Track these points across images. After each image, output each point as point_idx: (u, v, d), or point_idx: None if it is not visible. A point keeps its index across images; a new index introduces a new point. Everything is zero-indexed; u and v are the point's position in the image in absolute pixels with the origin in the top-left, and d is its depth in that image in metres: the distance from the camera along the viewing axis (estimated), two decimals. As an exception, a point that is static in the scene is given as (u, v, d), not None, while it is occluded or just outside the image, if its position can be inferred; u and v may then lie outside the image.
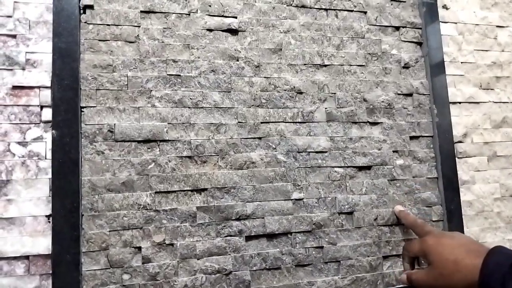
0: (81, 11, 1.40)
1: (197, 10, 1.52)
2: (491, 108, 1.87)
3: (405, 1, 1.81)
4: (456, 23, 1.89)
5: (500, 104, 1.89)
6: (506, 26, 1.98)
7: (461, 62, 1.86)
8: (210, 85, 1.49)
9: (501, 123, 1.87)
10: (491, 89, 1.89)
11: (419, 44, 1.80)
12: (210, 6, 1.54)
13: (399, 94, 1.72)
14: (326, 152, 1.59)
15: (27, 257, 1.26)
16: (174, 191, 1.40)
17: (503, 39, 1.95)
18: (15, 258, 1.25)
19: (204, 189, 1.43)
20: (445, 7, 1.88)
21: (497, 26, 1.97)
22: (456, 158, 1.77)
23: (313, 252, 1.52)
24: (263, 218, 1.48)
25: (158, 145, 1.40)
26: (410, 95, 1.74)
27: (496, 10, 1.98)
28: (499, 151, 1.84)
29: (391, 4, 1.78)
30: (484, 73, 1.89)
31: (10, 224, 1.26)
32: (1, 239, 1.23)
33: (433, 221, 1.68)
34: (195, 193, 1.42)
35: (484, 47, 1.92)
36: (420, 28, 1.81)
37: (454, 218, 1.68)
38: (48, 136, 1.31)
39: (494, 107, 1.88)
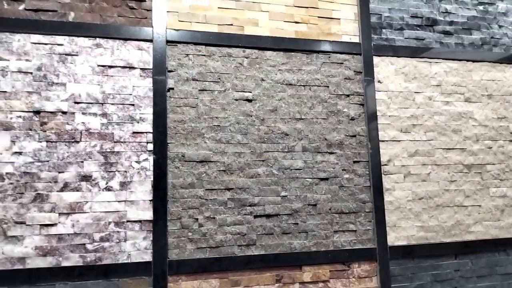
0: (168, 91, 2.53)
1: (229, 88, 2.64)
2: (408, 144, 2.94)
3: (353, 79, 2.90)
4: (386, 91, 2.97)
5: (414, 141, 2.95)
6: (421, 92, 3.05)
7: (389, 116, 2.93)
8: (236, 131, 2.60)
9: (414, 153, 2.93)
10: (409, 132, 2.96)
11: (362, 105, 2.88)
12: (236, 86, 2.65)
13: (347, 135, 2.80)
14: (301, 169, 2.68)
15: (140, 221, 2.35)
16: (215, 189, 2.50)
17: (418, 100, 3.03)
18: (134, 221, 2.34)
19: (231, 188, 2.53)
20: (379, 81, 2.96)
21: (415, 92, 3.04)
22: (383, 175, 2.83)
23: (292, 226, 2.59)
24: (264, 205, 2.56)
25: (207, 163, 2.51)
26: (354, 136, 2.82)
27: (415, 82, 3.05)
28: (412, 171, 2.90)
29: (344, 81, 2.88)
30: (404, 122, 2.96)
31: (132, 204, 2.36)
32: (129, 211, 2.33)
33: (366, 212, 2.74)
34: (226, 190, 2.52)
35: (405, 106, 2.99)
36: (363, 95, 2.89)
37: (379, 211, 2.74)
38: (151, 158, 2.42)
39: (410, 144, 2.94)
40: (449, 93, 3.08)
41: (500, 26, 3.32)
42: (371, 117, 2.85)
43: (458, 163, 2.99)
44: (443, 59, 3.12)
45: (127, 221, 2.33)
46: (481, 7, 3.29)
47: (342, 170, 2.74)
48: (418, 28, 3.11)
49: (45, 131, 2.30)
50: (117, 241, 2.30)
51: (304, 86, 2.78)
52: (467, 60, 3.17)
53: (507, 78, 3.24)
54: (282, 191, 2.62)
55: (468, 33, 3.23)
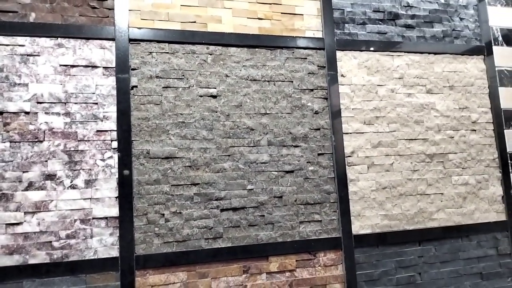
0: (131, 88, 2.55)
1: (193, 85, 2.67)
2: (371, 136, 3.01)
3: (317, 73, 2.95)
4: (349, 85, 3.03)
5: (377, 133, 3.02)
6: (384, 85, 3.12)
7: (352, 109, 3.00)
8: (201, 127, 2.63)
9: (377, 145, 3.00)
10: (372, 124, 3.03)
11: (325, 99, 2.94)
12: (201, 82, 2.69)
13: (311, 129, 2.86)
14: (267, 163, 2.73)
15: (106, 218, 2.38)
16: (181, 185, 2.53)
17: (381, 93, 3.10)
18: (100, 218, 2.37)
19: (197, 183, 2.57)
20: (342, 75, 3.02)
21: (378, 85, 3.11)
22: (347, 166, 2.90)
23: (258, 218, 2.64)
24: (230, 199, 2.61)
25: (173, 160, 2.54)
26: (318, 129, 2.87)
27: (377, 75, 3.12)
28: (375, 162, 2.98)
29: (308, 75, 2.93)
30: (368, 114, 3.03)
31: (97, 201, 2.38)
32: (95, 209, 2.35)
33: (331, 202, 2.81)
34: (192, 186, 2.56)
35: (368, 99, 3.05)
36: (327, 89, 2.95)
37: (343, 201, 2.81)
38: (115, 156, 2.45)
39: (373, 135, 3.01)
40: (411, 85, 3.15)
41: (461, 19, 3.40)
42: (335, 111, 2.91)
43: (420, 153, 3.07)
44: (405, 52, 3.19)
45: (93, 218, 2.36)
46: (442, 0, 3.37)
47: (307, 162, 2.80)
48: (380, 22, 3.17)
49: (8, 131, 2.31)
50: (84, 238, 2.33)
51: (268, 81, 2.83)
52: (429, 53, 3.25)
53: (468, 69, 3.33)
54: (248, 184, 2.66)
55: (430, 26, 3.31)
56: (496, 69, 3.39)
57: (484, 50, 3.39)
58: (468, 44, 3.37)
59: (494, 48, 3.43)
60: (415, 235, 2.95)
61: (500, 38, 3.47)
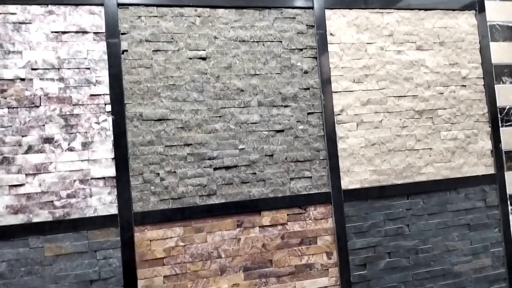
0: (122, 53, 2.63)
1: (183, 48, 2.74)
2: (360, 94, 3.08)
3: (306, 33, 3.00)
4: (339, 43, 3.08)
5: (366, 91, 3.09)
6: (373, 43, 3.16)
7: (341, 67, 3.06)
8: (192, 89, 2.72)
9: (366, 102, 3.08)
10: (361, 83, 3.09)
11: (315, 58, 3.00)
12: (190, 45, 2.75)
13: (301, 88, 2.93)
14: (258, 123, 2.82)
15: (103, 178, 2.51)
16: (175, 145, 2.65)
17: (370, 51, 3.14)
18: (98, 178, 2.50)
19: (190, 144, 2.68)
20: (331, 34, 3.06)
21: (367, 43, 3.15)
22: (336, 124, 2.98)
23: (250, 176, 2.77)
24: (222, 158, 2.72)
25: (165, 121, 2.65)
26: (308, 89, 2.95)
27: (366, 33, 3.16)
28: (364, 119, 3.06)
29: (297, 35, 2.98)
30: (357, 73, 3.09)
31: (95, 162, 2.51)
32: (92, 170, 2.48)
33: (321, 159, 2.92)
34: (185, 146, 2.67)
35: (357, 57, 3.10)
36: (316, 49, 3.00)
37: (333, 158, 2.91)
38: (110, 119, 2.55)
39: (362, 93, 3.08)
40: (401, 42, 3.19)
41: (453, -27, 3.39)
42: (324, 70, 2.97)
43: (409, 109, 3.15)
44: (395, 9, 3.21)
45: (91, 178, 2.49)
46: (434, -45, 3.35)
47: (297, 121, 2.89)
48: (369, -21, 3.18)
49: (6, 98, 2.41)
50: (83, 197, 2.47)
51: (257, 42, 2.88)
52: (419, 9, 3.27)
53: (459, 25, 3.35)
54: (239, 144, 2.77)
55: (420, -18, 3.31)
56: (488, 24, 3.41)
57: (476, 5, 3.39)
58: (460, -1, 3.37)
59: (486, 2, 3.43)
60: (403, 189, 3.06)
61: (493, -8, 3.46)
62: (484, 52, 3.36)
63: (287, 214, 2.80)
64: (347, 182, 2.96)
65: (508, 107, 3.35)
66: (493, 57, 3.38)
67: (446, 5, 3.29)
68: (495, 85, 3.35)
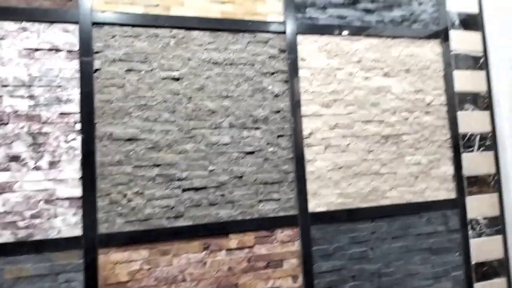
0: (94, 72, 2.62)
1: (156, 68, 2.76)
2: (329, 118, 3.16)
3: (278, 57, 3.07)
4: (309, 68, 3.16)
5: (335, 115, 3.18)
6: (343, 68, 3.26)
7: (311, 92, 3.14)
8: (163, 109, 2.74)
9: (334, 126, 3.17)
10: (330, 107, 3.18)
11: (286, 82, 3.07)
12: (163, 65, 2.78)
13: (272, 111, 3.00)
14: (228, 144, 2.86)
15: (69, 198, 2.50)
16: (144, 166, 2.65)
17: (340, 77, 3.24)
18: (64, 198, 2.48)
19: (160, 165, 2.69)
20: (302, 59, 3.15)
21: (337, 69, 3.25)
22: (305, 147, 3.05)
23: (219, 197, 2.80)
24: (192, 179, 2.75)
25: (135, 141, 2.65)
26: (279, 112, 3.02)
27: (336, 58, 3.26)
28: (332, 143, 3.15)
29: (269, 59, 3.04)
30: (326, 97, 3.18)
31: (61, 182, 2.49)
32: (58, 189, 2.46)
33: (289, 182, 2.97)
34: (154, 167, 2.68)
35: (327, 82, 3.20)
36: (287, 73, 3.07)
37: (301, 181, 2.98)
38: (79, 138, 2.54)
39: (331, 118, 3.17)
40: (369, 68, 3.31)
41: (419, 3, 3.55)
42: (295, 94, 3.04)
43: (376, 134, 3.26)
44: (364, 36, 3.33)
45: (57, 198, 2.47)
46: (402, -15, 3.50)
47: (267, 144, 2.95)
48: (340, 6, 3.29)
49: (-29, 114, 2.37)
50: (48, 217, 2.44)
51: (230, 64, 2.93)
52: (387, 37, 3.40)
53: (424, 53, 3.50)
54: (209, 165, 2.80)
55: (389, 10, 3.44)
56: (452, 53, 3.57)
57: (441, 34, 3.55)
58: (425, 28, 3.53)
59: (451, 32, 3.60)
60: (368, 212, 3.16)
61: (457, 22, 3.64)
62: (448, 79, 3.52)
63: (255, 237, 2.84)
64: (314, 205, 3.02)
65: (469, 133, 3.50)
66: (456, 84, 3.54)
67: (412, 33, 3.44)
68: (458, 112, 3.50)
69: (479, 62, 3.64)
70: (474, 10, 3.69)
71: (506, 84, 3.59)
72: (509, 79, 3.57)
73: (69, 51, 2.59)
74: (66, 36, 2.58)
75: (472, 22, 3.67)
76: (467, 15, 3.67)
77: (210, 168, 2.81)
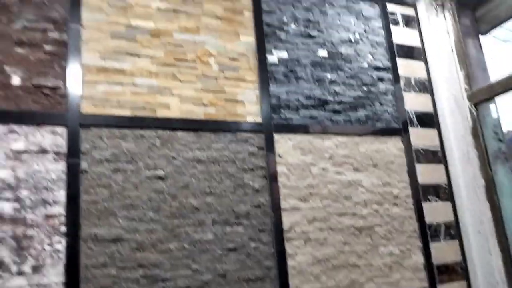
0: (81, 173, 2.66)
1: (142, 168, 2.83)
2: (307, 211, 3.29)
3: (257, 154, 3.23)
4: (286, 164, 3.33)
5: (312, 209, 3.31)
6: (316, 164, 3.45)
7: (289, 186, 3.28)
8: (148, 208, 2.78)
9: (312, 220, 3.28)
10: (307, 201, 3.32)
11: (265, 177, 3.21)
12: (149, 165, 2.86)
13: (252, 206, 3.10)
14: (211, 241, 2.90)
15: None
16: (128, 267, 2.63)
17: (314, 172, 3.42)
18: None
19: (144, 265, 2.68)
20: (279, 156, 3.32)
21: (311, 164, 3.44)
22: (285, 241, 3.13)
23: None
24: (175, 280, 2.74)
25: (120, 242, 2.64)
26: (259, 206, 3.12)
27: (310, 155, 3.46)
28: (311, 236, 3.24)
29: (249, 156, 3.20)
30: (303, 191, 3.32)
31: (44, 287, 2.41)
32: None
33: (271, 278, 3.00)
34: (139, 267, 2.67)
35: (303, 177, 3.36)
36: (266, 169, 3.22)
37: (282, 276, 3.02)
38: (63, 241, 2.51)
39: (308, 211, 3.29)
40: (340, 164, 3.52)
41: (381, 104, 3.89)
42: (273, 188, 3.18)
43: (350, 226, 3.40)
44: (333, 134, 3.58)
45: (39, 305, 2.38)
46: (365, 88, 3.85)
47: (249, 239, 3.01)
48: (311, 108, 3.56)
49: (-47, 218, 2.32)
50: (29, 326, 2.33)
51: (213, 162, 3.06)
52: (354, 134, 3.66)
53: (388, 149, 3.78)
54: (193, 264, 2.81)
55: (354, 110, 3.75)
56: (413, 148, 3.87)
57: (401, 131, 3.87)
58: (387, 125, 3.84)
59: (410, 129, 3.94)
60: (348, 305, 3.20)
61: (415, 120, 4.00)
62: (411, 173, 3.78)
63: (240, 337, 2.79)
64: (296, 301, 3.05)
65: (435, 223, 3.71)
66: (419, 177, 3.81)
67: (376, 131, 3.72)
68: (423, 203, 3.73)
69: (438, 156, 3.97)
70: (429, 109, 4.09)
71: (462, 177, 3.90)
72: (466, 172, 3.88)
73: (57, 153, 2.63)
74: (54, 138, 2.64)
75: (427, 120, 4.05)
76: (422, 113, 4.05)
77: (194, 266, 2.81)
